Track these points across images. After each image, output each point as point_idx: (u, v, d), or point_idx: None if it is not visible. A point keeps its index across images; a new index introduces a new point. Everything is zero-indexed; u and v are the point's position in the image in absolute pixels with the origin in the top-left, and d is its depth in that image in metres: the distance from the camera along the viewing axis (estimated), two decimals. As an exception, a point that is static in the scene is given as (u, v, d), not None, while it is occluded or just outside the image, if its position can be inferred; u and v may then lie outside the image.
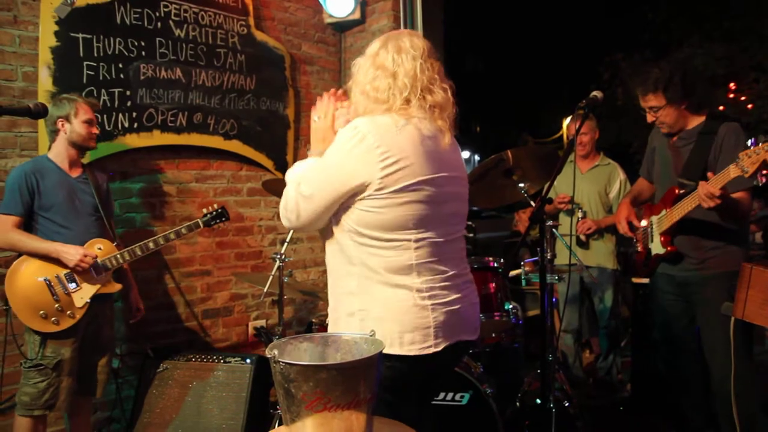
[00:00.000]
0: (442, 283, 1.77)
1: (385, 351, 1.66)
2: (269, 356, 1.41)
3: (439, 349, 1.74)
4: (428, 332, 1.73)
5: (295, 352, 1.54)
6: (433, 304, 1.74)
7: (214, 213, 3.21)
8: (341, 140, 1.70)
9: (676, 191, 2.74)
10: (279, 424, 2.83)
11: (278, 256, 3.11)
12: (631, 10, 11.47)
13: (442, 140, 1.77)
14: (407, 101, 1.74)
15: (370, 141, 1.66)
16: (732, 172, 2.38)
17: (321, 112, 1.91)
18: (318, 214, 1.75)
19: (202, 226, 3.17)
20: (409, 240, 1.72)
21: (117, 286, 2.98)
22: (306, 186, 1.74)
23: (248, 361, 3.27)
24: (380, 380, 1.66)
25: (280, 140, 4.29)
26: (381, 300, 1.74)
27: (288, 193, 1.80)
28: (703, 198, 2.45)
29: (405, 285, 1.73)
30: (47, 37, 3.20)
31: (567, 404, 2.92)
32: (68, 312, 2.78)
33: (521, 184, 3.09)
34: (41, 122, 3.05)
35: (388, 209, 1.68)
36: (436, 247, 1.76)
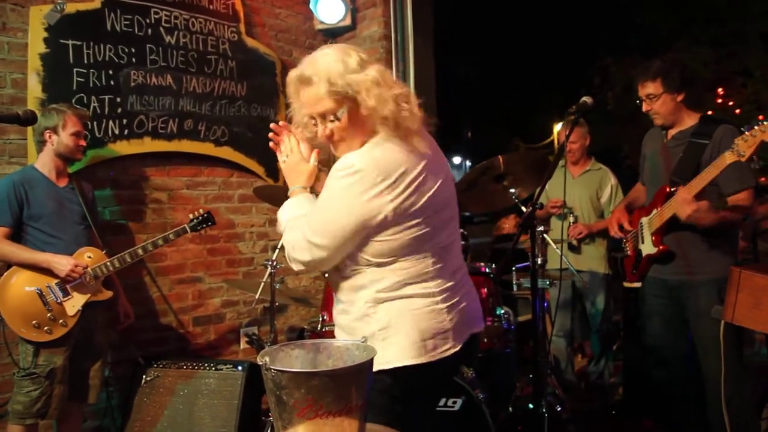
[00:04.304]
0: (450, 283, 1.78)
1: (410, 363, 1.71)
2: (260, 363, 1.40)
3: (458, 348, 1.76)
4: (448, 334, 1.75)
5: (287, 359, 1.53)
6: (447, 306, 1.75)
7: (200, 218, 3.21)
8: (341, 184, 1.63)
9: (667, 189, 2.74)
10: (271, 432, 2.82)
11: (270, 263, 3.10)
12: (619, 15, 11.57)
13: (423, 146, 1.71)
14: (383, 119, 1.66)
15: (371, 176, 1.60)
16: (728, 158, 2.39)
17: (287, 150, 1.86)
18: (334, 260, 1.72)
19: (189, 231, 3.17)
20: (425, 251, 1.72)
21: (108, 294, 2.98)
22: (317, 237, 1.68)
23: (240, 368, 3.25)
24: (398, 393, 1.71)
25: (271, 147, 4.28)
26: (398, 314, 1.73)
27: (294, 238, 1.74)
28: (679, 203, 2.48)
29: (420, 293, 1.73)
30: (36, 44, 3.19)
31: (559, 408, 2.92)
32: (60, 321, 2.78)
33: (512, 190, 3.10)
34: (30, 130, 3.03)
35: (403, 233, 1.67)
36: (443, 250, 1.76)
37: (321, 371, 1.42)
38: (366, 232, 1.66)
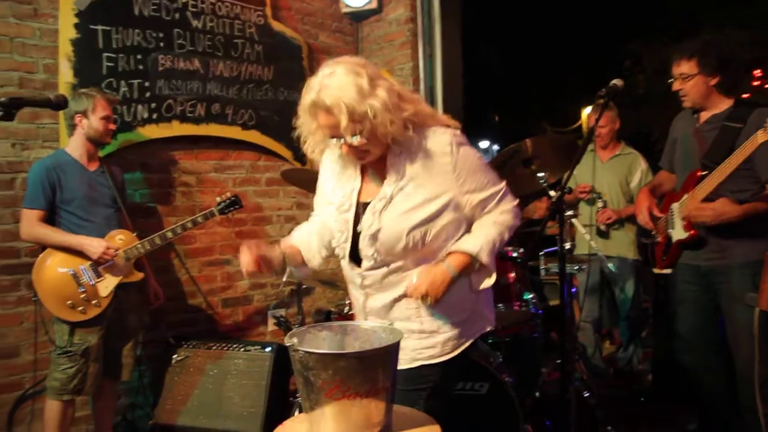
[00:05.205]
0: None
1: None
2: (288, 345, 1.42)
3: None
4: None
5: (315, 341, 1.55)
6: None
7: (228, 201, 3.24)
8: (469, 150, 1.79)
9: (699, 173, 2.68)
10: (299, 412, 2.85)
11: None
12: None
13: None
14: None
15: None
16: (760, 137, 2.33)
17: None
18: None
19: (216, 214, 3.21)
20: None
21: (139, 275, 3.04)
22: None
23: (268, 349, 3.29)
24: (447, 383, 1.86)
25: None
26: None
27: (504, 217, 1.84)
28: (691, 213, 2.51)
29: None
30: (67, 30, 3.23)
31: (587, 395, 2.90)
32: (94, 301, 2.84)
33: (540, 174, 3.05)
34: (62, 114, 3.08)
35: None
36: None
37: (349, 353, 1.43)
38: None
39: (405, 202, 1.74)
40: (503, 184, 1.84)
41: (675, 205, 2.83)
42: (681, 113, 2.95)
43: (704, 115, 2.77)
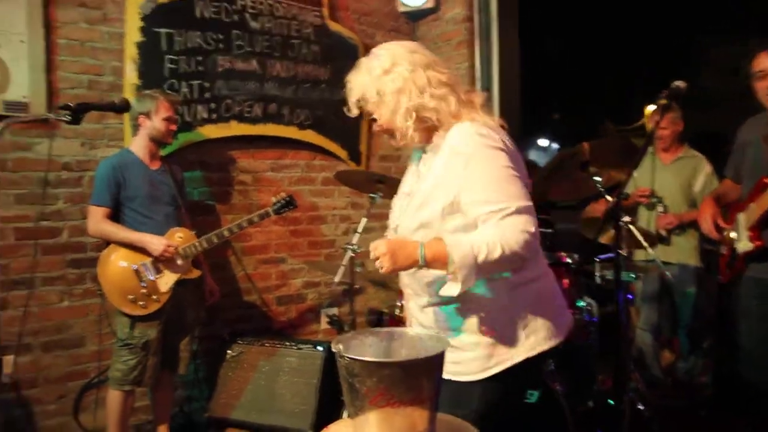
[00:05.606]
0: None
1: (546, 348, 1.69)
2: (334, 350, 1.43)
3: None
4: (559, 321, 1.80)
5: (361, 347, 1.56)
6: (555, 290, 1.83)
7: (283, 201, 3.29)
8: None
9: (766, 180, 2.55)
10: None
11: (350, 246, 3.14)
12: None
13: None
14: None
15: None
16: None
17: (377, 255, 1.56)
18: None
19: (272, 214, 3.27)
20: None
21: (197, 272, 3.13)
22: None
23: (320, 348, 3.34)
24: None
25: (354, 130, 4.33)
26: (536, 299, 1.74)
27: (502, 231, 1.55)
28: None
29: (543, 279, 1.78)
30: (133, 33, 3.35)
31: (641, 407, 2.82)
32: (154, 297, 2.95)
33: (597, 178, 2.97)
34: (127, 115, 3.20)
35: None
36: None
37: (393, 361, 1.43)
38: None
39: (418, 199, 1.70)
40: (521, 203, 1.56)
41: (741, 215, 2.70)
42: (751, 119, 2.81)
43: None
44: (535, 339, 1.68)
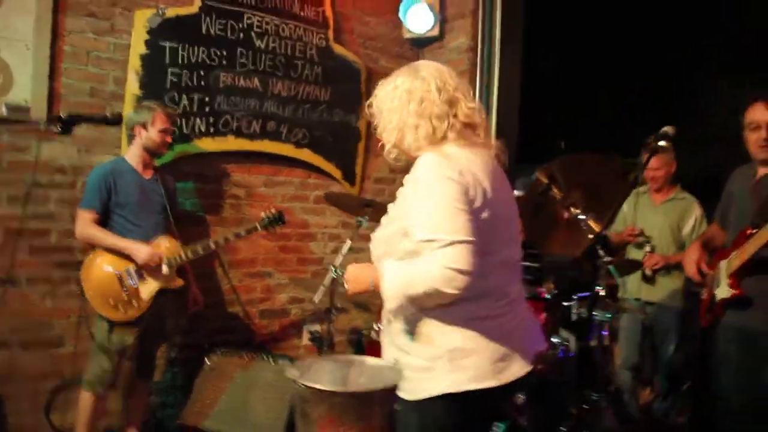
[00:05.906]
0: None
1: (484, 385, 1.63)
2: (288, 376, 1.47)
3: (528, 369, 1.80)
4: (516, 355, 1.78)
5: (319, 373, 1.59)
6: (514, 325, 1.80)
7: (272, 217, 3.35)
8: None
9: (749, 231, 2.58)
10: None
11: (333, 267, 3.18)
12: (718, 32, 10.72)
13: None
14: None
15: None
16: None
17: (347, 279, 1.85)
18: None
19: (260, 229, 3.32)
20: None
21: (179, 282, 3.17)
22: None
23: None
24: (459, 419, 1.65)
25: (350, 151, 4.39)
26: (472, 334, 1.71)
27: (432, 266, 1.56)
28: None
29: (489, 313, 1.74)
30: (138, 45, 3.43)
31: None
32: (134, 303, 2.99)
33: (581, 216, 2.97)
34: (124, 123, 3.26)
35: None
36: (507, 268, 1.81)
37: (343, 391, 1.47)
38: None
39: (385, 223, 1.82)
40: (455, 237, 1.53)
41: (723, 262, 2.74)
42: (739, 168, 2.85)
43: (762, 171, 2.67)
44: (460, 376, 1.63)
